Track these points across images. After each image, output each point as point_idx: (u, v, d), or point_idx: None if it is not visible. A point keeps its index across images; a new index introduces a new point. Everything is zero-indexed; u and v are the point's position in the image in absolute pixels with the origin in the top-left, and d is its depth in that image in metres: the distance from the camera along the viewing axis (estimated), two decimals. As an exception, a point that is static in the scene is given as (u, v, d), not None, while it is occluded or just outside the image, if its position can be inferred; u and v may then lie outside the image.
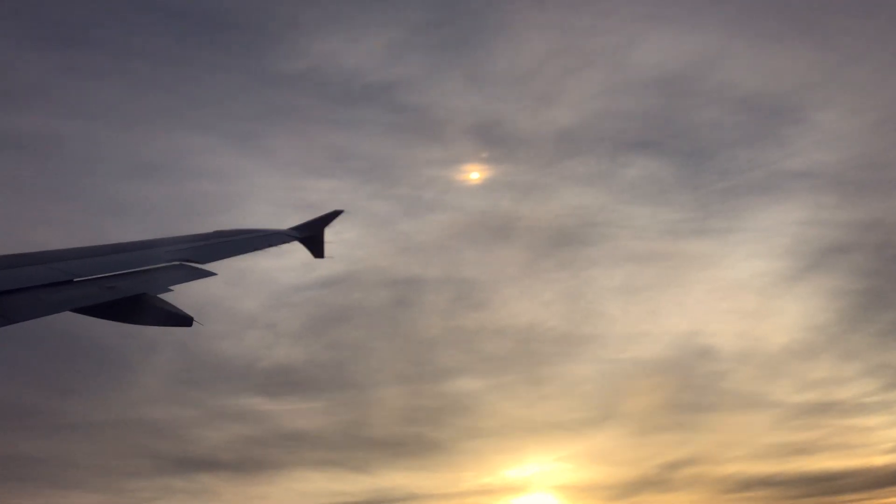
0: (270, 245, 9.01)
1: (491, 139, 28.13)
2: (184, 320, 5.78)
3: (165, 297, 6.09)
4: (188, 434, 23.73)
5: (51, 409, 21.73)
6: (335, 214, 10.79)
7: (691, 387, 26.03)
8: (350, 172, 27.92)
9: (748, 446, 24.87)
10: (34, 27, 25.76)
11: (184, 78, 26.91)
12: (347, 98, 27.27)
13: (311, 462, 24.41)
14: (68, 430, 22.17)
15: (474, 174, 26.93)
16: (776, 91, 28.20)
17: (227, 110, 26.89)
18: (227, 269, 7.31)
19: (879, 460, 24.32)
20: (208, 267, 7.11)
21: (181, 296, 6.24)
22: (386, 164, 28.01)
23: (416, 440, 25.04)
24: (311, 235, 10.40)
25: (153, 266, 6.60)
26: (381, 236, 27.24)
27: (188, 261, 7.04)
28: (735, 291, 27.64)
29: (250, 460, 23.88)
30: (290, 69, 26.75)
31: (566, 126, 28.01)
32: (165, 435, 23.35)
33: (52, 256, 6.01)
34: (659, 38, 28.03)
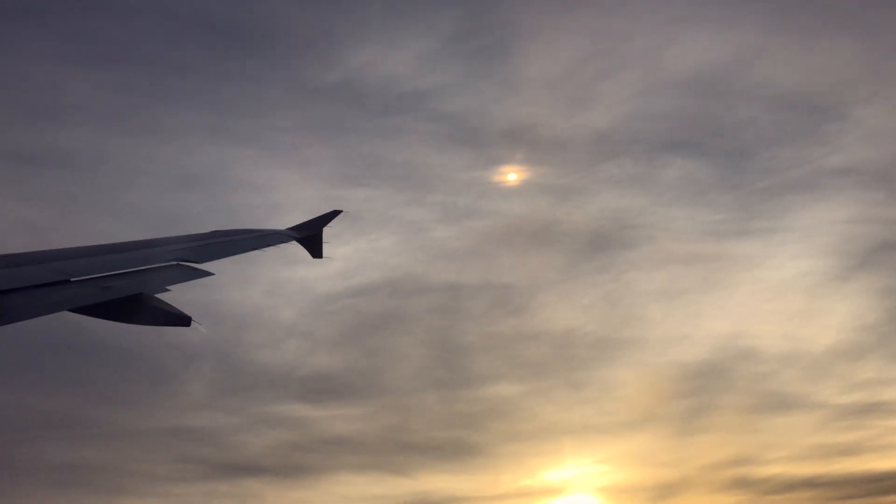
0: (268, 245, 9.00)
1: (526, 144, 27.95)
2: (182, 320, 5.77)
3: (163, 296, 6.08)
4: (232, 440, 24.13)
5: (101, 419, 22.30)
6: (333, 214, 10.78)
7: (733, 389, 25.79)
8: (386, 180, 28.04)
9: (791, 447, 24.66)
10: (78, 46, 26.18)
11: (224, 92, 27.29)
12: (383, 107, 27.52)
13: (353, 466, 24.53)
14: (118, 438, 22.58)
15: (511, 177, 26.84)
16: (816, 87, 27.71)
17: (266, 123, 27.23)
18: (227, 269, 7.31)
19: (927, 461, 24.12)
20: (206, 267, 7.10)
21: (180, 296, 6.23)
22: (421, 171, 28.11)
23: (455, 444, 25.08)
24: (310, 236, 10.38)
25: (150, 266, 6.60)
26: (416, 243, 27.36)
27: (185, 260, 7.03)
28: (779, 292, 27.31)
29: (293, 465, 24.20)
30: (327, 80, 27.07)
31: (602, 128, 27.90)
32: (210, 442, 23.77)
33: (49, 256, 6.01)
34: (693, 38, 27.77)
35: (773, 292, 27.25)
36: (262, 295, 24.26)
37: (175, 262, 6.86)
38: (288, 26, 27.12)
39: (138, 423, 22.75)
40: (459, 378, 25.77)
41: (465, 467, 24.81)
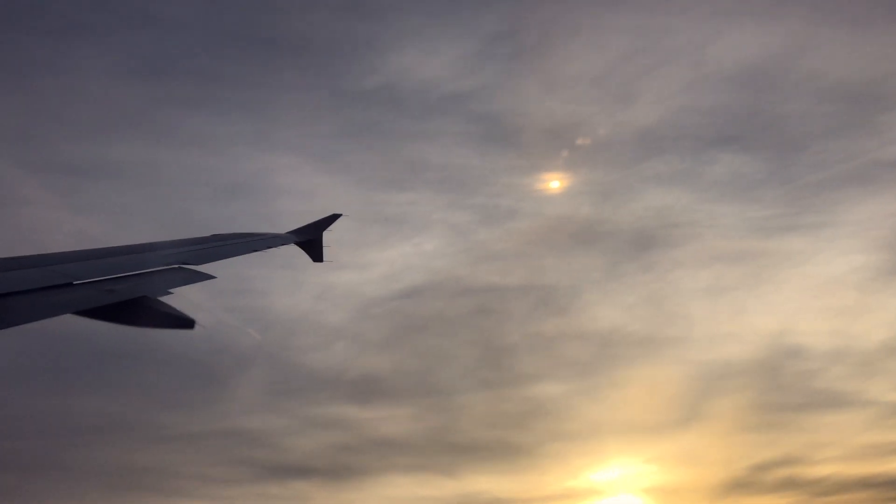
0: (269, 247, 8.99)
1: (569, 143, 27.79)
2: (185, 322, 5.75)
3: (165, 299, 6.07)
4: (282, 442, 24.35)
5: (155, 422, 22.58)
6: (333, 218, 10.77)
7: (781, 387, 25.40)
8: (427, 184, 28.13)
9: (843, 447, 24.10)
10: (126, 60, 26.58)
11: (268, 101, 27.61)
12: (423, 110, 27.67)
13: (400, 467, 24.59)
14: (171, 441, 22.97)
15: (552, 180, 26.66)
16: (869, 77, 27.12)
17: (309, 130, 27.46)
18: (229, 272, 7.30)
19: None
20: (207, 270, 7.09)
21: (181, 298, 6.22)
22: (463, 173, 28.15)
23: (500, 444, 25.03)
24: (310, 239, 10.36)
25: (152, 269, 6.58)
26: (459, 246, 27.42)
27: (187, 264, 7.02)
28: (829, 288, 26.80)
29: (342, 466, 24.33)
30: (367, 85, 27.25)
31: (646, 126, 27.56)
32: (261, 444, 24.02)
33: (52, 259, 5.99)
34: (739, 31, 27.29)
35: (823, 288, 26.79)
36: (311, 300, 24.43)
37: (177, 266, 6.84)
38: (327, 34, 27.39)
39: (191, 426, 23.13)
40: (504, 378, 25.73)
41: (510, 468, 24.73)
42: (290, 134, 27.34)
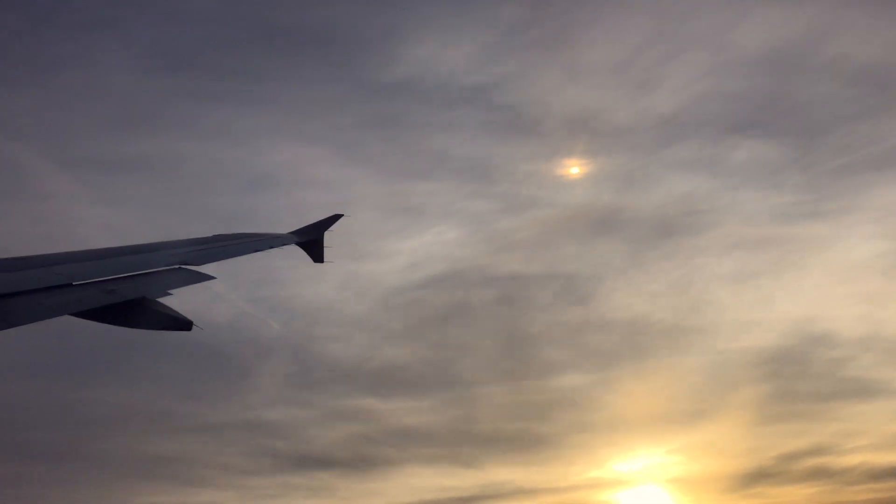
0: (270, 248, 8.98)
1: (590, 131, 27.61)
2: (183, 324, 5.75)
3: (165, 300, 6.07)
4: (304, 434, 24.59)
5: (179, 413, 22.97)
6: (335, 219, 10.76)
7: (808, 375, 25.14)
8: (449, 174, 28.17)
9: (874, 435, 23.75)
10: (152, 56, 26.88)
11: (291, 93, 27.89)
12: (445, 101, 27.86)
13: (422, 458, 24.77)
14: (195, 432, 23.30)
15: (573, 168, 26.49)
16: (894, 60, 26.65)
17: (332, 122, 27.75)
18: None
19: None
20: (208, 270, 7.08)
21: (181, 299, 6.22)
22: (484, 163, 28.16)
23: (522, 435, 25.02)
24: (312, 240, 10.35)
25: (153, 269, 6.58)
26: (481, 235, 27.41)
27: (188, 264, 7.01)
28: (854, 274, 26.47)
29: (364, 457, 24.56)
30: (390, 77, 27.38)
31: (667, 112, 27.47)
32: (283, 435, 24.27)
33: (52, 260, 5.99)
34: (764, 14, 27.05)
35: (848, 274, 26.41)
36: (333, 290, 24.57)
37: (178, 266, 6.84)
38: (350, 27, 27.48)
39: (214, 416, 23.45)
40: (527, 368, 25.68)
41: (533, 459, 24.70)
42: (314, 126, 27.49)
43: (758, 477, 23.40)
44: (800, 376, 25.20)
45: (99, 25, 26.20)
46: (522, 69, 27.86)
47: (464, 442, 24.62)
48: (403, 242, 27.07)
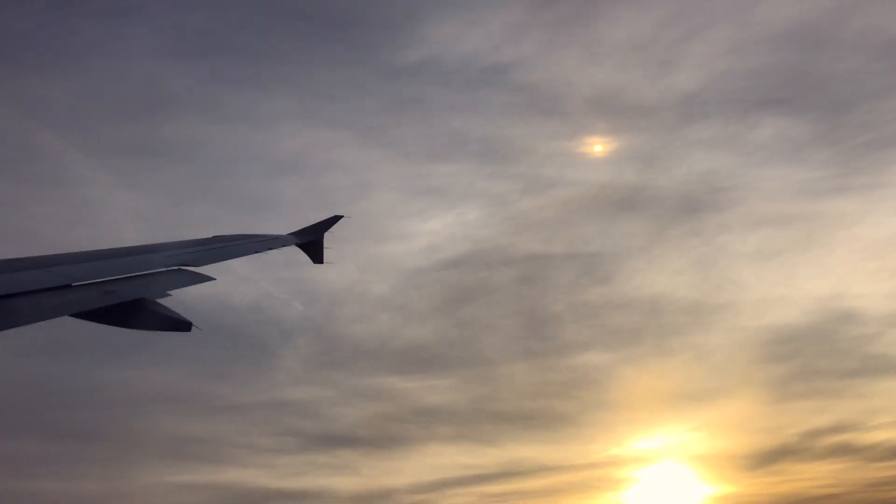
0: (269, 249, 8.98)
1: (611, 110, 27.52)
2: (182, 325, 5.75)
3: (164, 301, 6.06)
4: (328, 413, 25.11)
5: (206, 394, 23.50)
6: (334, 220, 10.75)
7: (833, 352, 25.05)
8: (470, 155, 28.12)
9: None
10: (173, 41, 27.09)
11: (313, 77, 27.99)
12: (465, 82, 27.83)
13: (444, 437, 25.18)
14: (222, 412, 23.79)
15: (595, 147, 26.26)
16: None
17: (354, 105, 27.74)
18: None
19: None
20: (207, 271, 7.08)
21: (182, 300, 6.22)
22: (505, 143, 28.06)
23: (544, 413, 25.12)
24: (311, 241, 10.35)
25: (152, 271, 6.57)
26: (502, 215, 27.40)
27: (187, 265, 7.01)
28: (882, 250, 26.32)
29: (386, 436, 25.04)
30: (410, 59, 27.45)
31: (690, 90, 27.27)
32: (308, 414, 24.88)
33: (51, 261, 5.98)
34: None
35: (875, 251, 26.18)
36: (356, 271, 24.70)
37: (177, 267, 6.84)
38: (370, 9, 27.58)
39: (241, 397, 23.89)
40: (548, 347, 25.72)
41: (554, 437, 24.83)
42: (336, 109, 27.57)
43: (780, 454, 23.36)
44: (824, 353, 25.14)
45: (123, 12, 26.36)
46: (543, 48, 27.74)
47: (485, 420, 24.77)
48: (425, 224, 27.13)
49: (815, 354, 25.01)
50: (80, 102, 25.93)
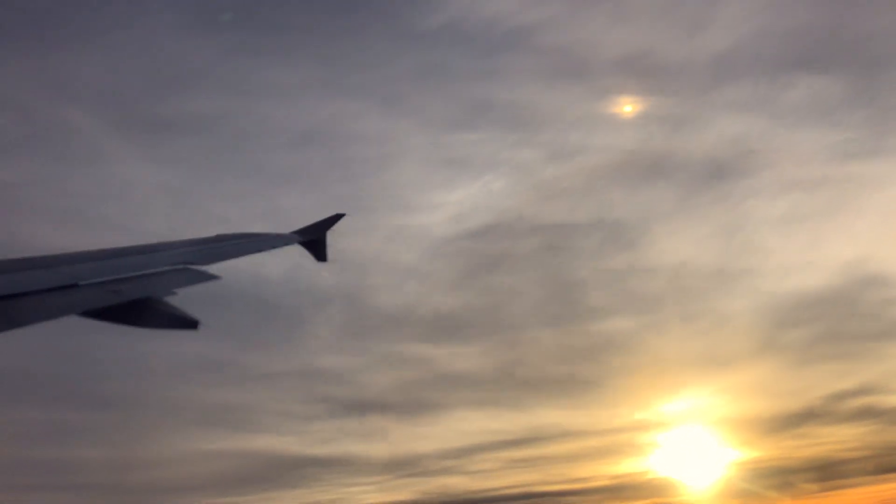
0: (273, 247, 8.99)
1: (640, 73, 26.64)
2: (190, 323, 5.75)
3: (170, 300, 6.06)
4: (358, 380, 25.24)
5: (239, 363, 23.48)
6: (337, 218, 10.76)
7: (859, 315, 24.75)
8: (494, 122, 27.76)
9: None
10: (193, 13, 26.58)
11: (334, 47, 27.36)
12: (488, 47, 27.00)
13: (471, 402, 25.32)
14: (254, 380, 23.91)
15: (625, 108, 25.72)
16: None
17: (376, 74, 27.39)
18: (234, 270, 7.32)
19: None
20: (212, 269, 7.08)
21: (185, 298, 6.21)
22: (530, 110, 27.53)
23: (569, 379, 25.13)
24: (314, 239, 10.36)
25: (157, 270, 6.57)
26: (527, 183, 27.08)
27: (192, 264, 7.01)
28: None
29: (415, 402, 25.27)
30: (431, 24, 26.72)
31: (720, 50, 26.37)
32: (338, 381, 24.99)
33: (57, 261, 5.99)
34: None
35: None
36: (382, 241, 24.67)
37: (182, 266, 6.83)
38: None
39: (273, 366, 24.04)
40: (573, 314, 25.66)
41: (579, 402, 24.89)
42: (358, 79, 27.29)
43: (804, 417, 23.27)
44: (849, 317, 24.83)
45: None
46: (568, 9, 27.16)
47: (512, 386, 24.82)
48: (450, 194, 27.01)
49: (840, 318, 24.78)
50: (106, 78, 25.90)
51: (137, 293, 5.80)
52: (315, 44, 27.49)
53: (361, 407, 24.62)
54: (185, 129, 26.29)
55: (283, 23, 26.88)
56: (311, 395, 24.77)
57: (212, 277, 6.89)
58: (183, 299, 6.25)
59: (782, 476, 22.10)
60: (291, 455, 24.15)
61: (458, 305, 26.40)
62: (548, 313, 25.98)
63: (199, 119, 26.30)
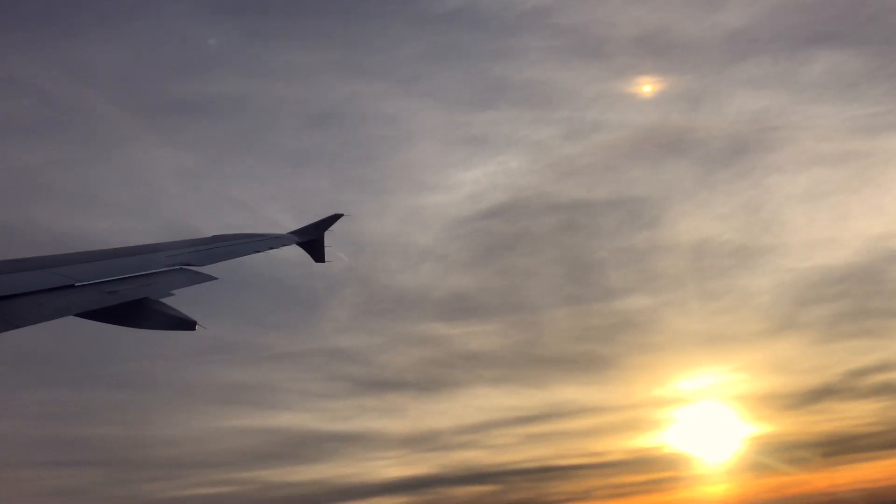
0: (270, 248, 8.97)
1: (657, 50, 26.95)
2: (187, 324, 5.73)
3: (167, 300, 6.05)
4: (376, 358, 25.75)
5: (259, 344, 24.18)
6: (335, 218, 10.74)
7: (882, 292, 24.92)
8: (511, 102, 27.78)
9: None
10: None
11: (351, 29, 27.93)
12: (504, 28, 27.83)
13: (488, 380, 25.70)
14: (275, 360, 24.61)
15: (645, 86, 25.64)
16: None
17: (393, 55, 27.58)
18: (228, 271, 7.32)
19: None
20: (208, 271, 7.07)
21: (184, 299, 6.21)
22: (546, 89, 27.56)
23: (587, 357, 25.29)
24: (312, 239, 10.34)
25: (154, 270, 6.56)
26: (544, 162, 27.08)
27: (189, 265, 7.00)
28: None
29: (432, 380, 25.96)
30: (447, 6, 27.60)
31: (738, 27, 26.74)
32: (357, 360, 25.56)
33: (54, 261, 5.98)
34: None
35: None
36: (397, 223, 24.82)
37: (179, 267, 6.82)
38: None
39: (292, 345, 24.83)
40: (591, 293, 25.71)
41: (597, 379, 25.01)
42: (374, 60, 27.50)
43: (823, 393, 23.31)
44: (872, 294, 24.98)
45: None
46: None
47: (529, 364, 24.98)
48: (466, 173, 27.07)
49: (863, 295, 24.86)
50: (125, 63, 26.02)
51: (134, 294, 5.79)
52: (332, 26, 27.57)
53: (380, 385, 25.11)
54: (202, 111, 26.46)
55: (299, 6, 26.88)
56: (330, 373, 25.32)
57: (209, 278, 6.88)
58: (195, 291, 6.27)
59: (799, 451, 22.11)
60: (312, 431, 24.82)
61: (475, 285, 26.53)
62: (565, 292, 26.05)
63: (216, 102, 26.48)
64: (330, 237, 10.46)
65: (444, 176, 26.81)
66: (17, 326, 4.65)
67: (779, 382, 24.33)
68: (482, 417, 24.68)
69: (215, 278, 6.98)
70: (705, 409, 23.82)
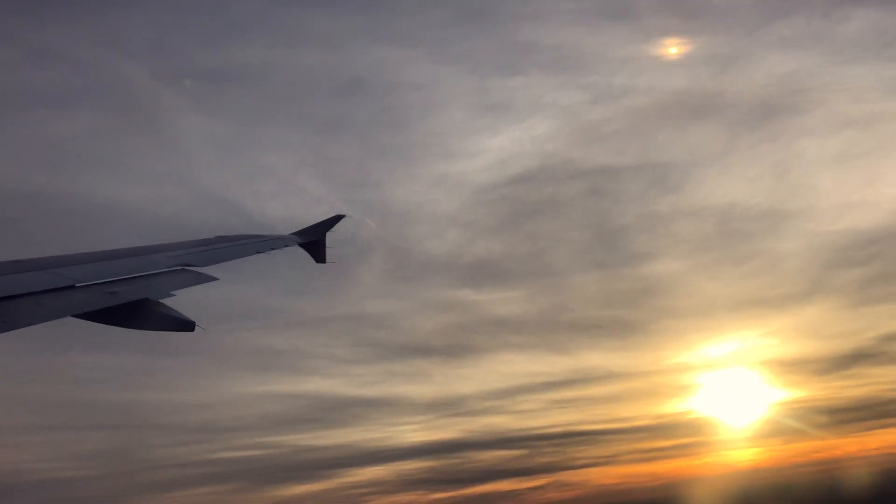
0: (272, 249, 8.98)
1: (686, 11, 26.45)
2: (186, 325, 5.75)
3: (168, 301, 6.07)
4: (403, 324, 26.25)
5: (289, 309, 24.65)
6: (336, 219, 10.76)
7: None
8: (538, 66, 27.64)
9: None
10: None
11: None
12: None
13: (514, 346, 25.71)
14: (303, 325, 25.04)
15: (671, 49, 25.29)
16: None
17: (421, 19, 27.49)
18: (229, 272, 7.34)
19: None
20: (210, 271, 7.08)
21: (184, 299, 6.22)
22: (574, 53, 27.37)
23: (613, 322, 25.21)
24: (313, 240, 10.36)
25: (155, 271, 6.58)
26: (571, 127, 26.91)
27: (190, 265, 7.01)
28: None
29: (459, 345, 26.14)
30: None
31: None
32: (384, 326, 25.95)
33: (54, 262, 6.00)
34: None
35: None
36: (424, 190, 24.86)
37: (180, 267, 6.84)
38: None
39: (321, 311, 25.08)
40: (618, 258, 25.61)
41: (624, 345, 24.95)
42: (404, 25, 27.43)
43: (854, 358, 23.11)
44: None
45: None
46: None
47: (555, 330, 24.97)
48: (493, 139, 27.01)
49: (894, 258, 24.53)
50: (156, 32, 26.12)
51: (134, 295, 5.80)
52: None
53: (407, 350, 25.24)
54: (233, 79, 26.44)
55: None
56: (357, 339, 25.68)
57: (210, 278, 6.90)
58: (195, 291, 6.28)
59: (829, 415, 21.88)
60: (339, 396, 25.20)
61: (502, 251, 26.50)
62: (592, 258, 25.95)
63: (246, 69, 26.43)
64: (337, 230, 10.45)
65: (471, 142, 26.84)
66: (17, 326, 4.68)
67: (809, 347, 24.22)
68: (508, 383, 24.80)
69: (216, 279, 7.00)
70: (733, 374, 23.66)
